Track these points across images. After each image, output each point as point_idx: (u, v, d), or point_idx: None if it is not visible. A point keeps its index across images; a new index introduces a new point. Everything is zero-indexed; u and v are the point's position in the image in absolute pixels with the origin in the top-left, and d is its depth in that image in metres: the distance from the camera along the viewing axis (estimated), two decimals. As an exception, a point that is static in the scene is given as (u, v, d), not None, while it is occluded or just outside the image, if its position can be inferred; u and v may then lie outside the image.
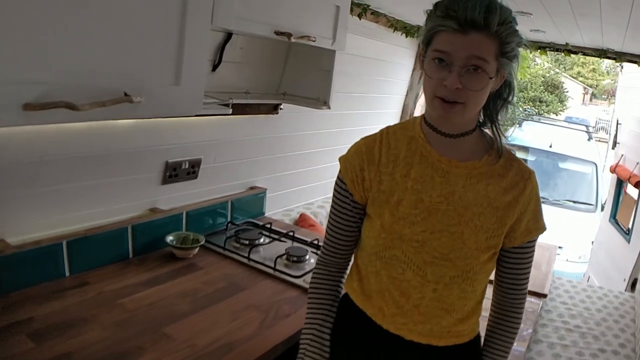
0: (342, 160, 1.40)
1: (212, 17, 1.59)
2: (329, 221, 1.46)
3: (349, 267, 1.50)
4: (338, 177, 1.41)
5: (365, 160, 1.35)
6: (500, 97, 1.29)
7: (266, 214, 2.95)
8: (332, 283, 1.50)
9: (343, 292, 1.50)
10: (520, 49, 1.22)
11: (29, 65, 1.16)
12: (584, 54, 3.73)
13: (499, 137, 1.32)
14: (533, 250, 1.37)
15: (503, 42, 1.15)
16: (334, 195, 1.43)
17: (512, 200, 1.28)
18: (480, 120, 1.33)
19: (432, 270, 1.28)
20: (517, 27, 1.19)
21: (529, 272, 1.39)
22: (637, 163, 4.72)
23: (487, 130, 1.35)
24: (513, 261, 1.36)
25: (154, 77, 1.45)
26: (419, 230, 1.27)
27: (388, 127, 1.40)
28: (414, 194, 1.29)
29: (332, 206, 1.44)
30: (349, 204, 1.39)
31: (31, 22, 1.13)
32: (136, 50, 1.39)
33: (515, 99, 1.32)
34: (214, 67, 2.19)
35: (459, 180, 1.28)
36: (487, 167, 1.30)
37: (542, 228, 1.34)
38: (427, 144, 1.31)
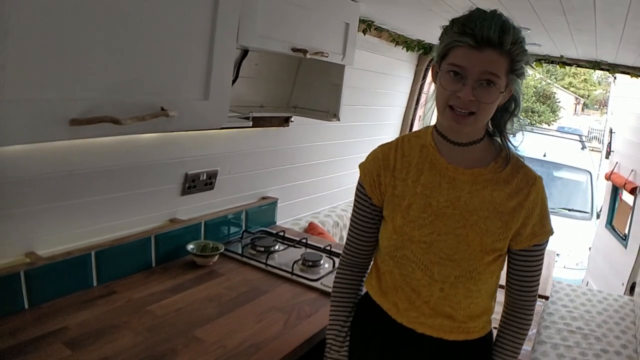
0: (362, 166, 1.50)
1: (238, 36, 1.70)
2: (350, 223, 1.56)
3: (370, 267, 1.59)
4: (358, 182, 1.51)
5: (382, 166, 1.45)
6: (507, 110, 1.38)
7: (277, 223, 3.04)
8: (354, 282, 1.59)
9: (364, 290, 1.58)
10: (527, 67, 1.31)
11: (75, 83, 1.25)
12: (578, 66, 3.83)
13: (507, 146, 1.40)
14: (542, 254, 1.41)
15: (514, 60, 1.24)
16: (355, 199, 1.53)
17: (516, 205, 1.35)
18: (490, 131, 1.41)
19: (439, 270, 1.36)
20: (527, 47, 1.28)
21: (538, 275, 1.43)
22: (632, 170, 4.82)
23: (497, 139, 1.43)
24: (521, 263, 1.42)
25: (186, 92, 1.56)
26: (427, 232, 1.36)
27: (404, 136, 1.50)
28: (423, 199, 1.38)
29: (353, 209, 1.54)
30: (368, 207, 1.49)
31: (76, 43, 1.22)
32: (170, 68, 1.49)
33: (520, 111, 1.40)
34: (232, 83, 2.29)
35: (465, 186, 1.36)
36: (493, 174, 1.37)
37: (548, 232, 1.39)
38: (436, 152, 1.40)
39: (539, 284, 1.45)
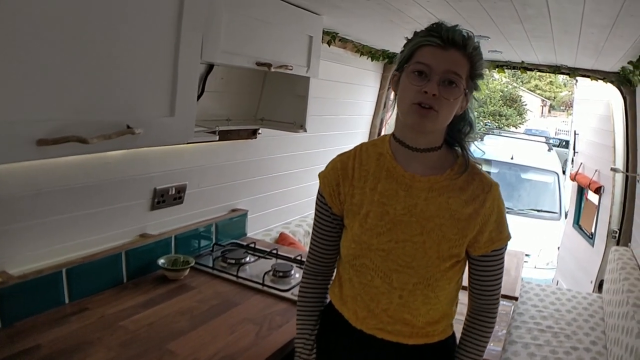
0: (321, 176, 1.53)
1: (202, 52, 1.73)
2: (312, 233, 1.58)
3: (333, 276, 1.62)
4: (318, 191, 1.53)
5: (341, 175, 1.47)
6: (461, 132, 1.43)
7: (248, 235, 3.06)
8: (318, 290, 1.61)
9: (329, 298, 1.61)
10: (480, 82, 1.38)
11: (41, 103, 1.27)
12: (540, 71, 3.93)
13: (466, 154, 1.43)
14: (501, 259, 1.45)
15: (474, 65, 1.32)
16: (315, 208, 1.56)
17: (472, 212, 1.38)
18: (449, 140, 1.45)
19: (397, 277, 1.39)
20: (484, 62, 1.36)
21: (499, 279, 1.46)
22: (596, 170, 4.93)
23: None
24: (481, 269, 1.45)
25: (152, 109, 1.58)
26: (385, 240, 1.39)
27: (362, 144, 1.53)
28: (380, 207, 1.41)
29: (314, 219, 1.57)
30: (329, 216, 1.52)
31: (41, 65, 1.24)
32: (136, 86, 1.51)
33: (474, 129, 1.45)
34: (198, 97, 2.31)
35: (421, 193, 1.39)
36: (449, 181, 1.40)
37: (506, 238, 1.42)
38: (393, 160, 1.43)
39: (500, 287, 1.48)
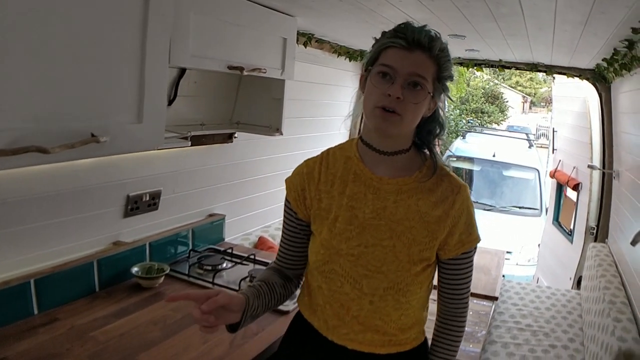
0: (287, 181, 1.52)
1: (170, 57, 1.70)
2: (280, 239, 1.57)
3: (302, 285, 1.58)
4: (285, 197, 1.52)
5: (306, 180, 1.46)
6: (430, 133, 1.41)
7: (226, 240, 3.02)
8: (276, 271, 1.56)
9: (297, 309, 1.57)
10: (449, 84, 1.37)
11: (-1, 112, 1.24)
12: (517, 69, 3.95)
13: (433, 156, 1.42)
14: (470, 261, 1.44)
15: (441, 67, 1.30)
16: (283, 214, 1.54)
17: (442, 214, 1.36)
18: (417, 142, 1.43)
19: (367, 283, 1.36)
20: (451, 63, 1.34)
21: (468, 282, 1.45)
22: (574, 167, 4.97)
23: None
24: (451, 272, 1.44)
25: (118, 116, 1.55)
26: (354, 245, 1.37)
27: (329, 149, 1.51)
28: (348, 211, 1.39)
29: (282, 225, 1.55)
30: (294, 221, 1.50)
31: (-1, 71, 1.21)
32: (100, 93, 1.48)
33: (445, 130, 1.43)
34: (170, 102, 2.28)
35: (389, 196, 1.38)
36: (418, 183, 1.39)
37: (475, 240, 1.41)
38: (360, 163, 1.41)
39: (469, 290, 1.48)
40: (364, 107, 1.34)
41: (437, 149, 1.45)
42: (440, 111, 1.40)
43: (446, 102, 1.41)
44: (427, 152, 1.43)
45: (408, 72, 1.26)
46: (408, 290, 1.37)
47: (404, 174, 1.39)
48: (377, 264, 1.35)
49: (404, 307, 1.39)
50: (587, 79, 3.70)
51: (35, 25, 1.27)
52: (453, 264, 1.42)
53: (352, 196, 1.39)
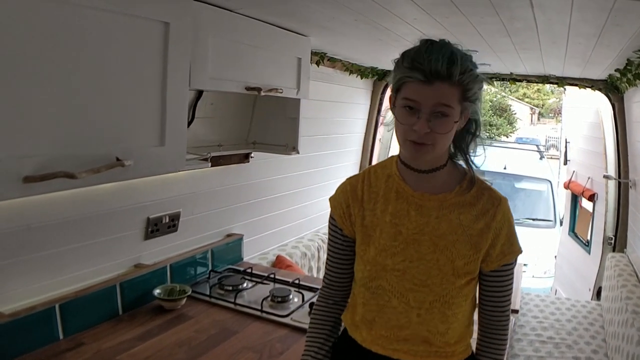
0: (331, 199, 1.53)
1: (190, 80, 1.72)
2: (326, 258, 1.58)
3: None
4: (330, 215, 1.53)
5: (350, 197, 1.47)
6: (468, 132, 1.41)
7: (244, 259, 3.03)
8: (330, 314, 1.58)
9: (343, 325, 1.57)
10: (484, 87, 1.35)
11: (27, 139, 1.26)
12: (528, 81, 3.95)
13: (471, 168, 1.43)
14: (511, 273, 1.43)
15: (465, 89, 1.27)
16: (328, 232, 1.56)
17: (484, 226, 1.37)
18: (452, 154, 1.43)
19: (414, 296, 1.38)
20: (478, 72, 1.31)
21: (509, 294, 1.45)
22: (589, 178, 4.94)
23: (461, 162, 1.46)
24: (492, 284, 1.44)
25: (141, 140, 1.57)
26: (399, 260, 1.38)
27: (370, 167, 1.54)
28: (392, 227, 1.40)
29: (328, 242, 1.56)
30: (340, 238, 1.51)
31: (26, 100, 1.23)
32: (124, 118, 1.50)
33: (482, 132, 1.43)
34: (188, 124, 2.30)
35: (432, 212, 1.39)
36: (459, 197, 1.40)
37: (517, 251, 1.41)
38: (401, 181, 1.43)
39: (510, 303, 1.47)
40: (396, 134, 1.34)
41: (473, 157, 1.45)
42: (475, 115, 1.38)
43: (480, 103, 1.38)
44: (464, 165, 1.44)
45: (432, 104, 1.24)
46: (453, 303, 1.38)
47: (444, 189, 1.40)
48: (423, 278, 1.37)
49: (450, 320, 1.40)
50: (600, 90, 3.69)
51: (61, 55, 1.30)
52: (494, 276, 1.43)
53: (395, 213, 1.41)
